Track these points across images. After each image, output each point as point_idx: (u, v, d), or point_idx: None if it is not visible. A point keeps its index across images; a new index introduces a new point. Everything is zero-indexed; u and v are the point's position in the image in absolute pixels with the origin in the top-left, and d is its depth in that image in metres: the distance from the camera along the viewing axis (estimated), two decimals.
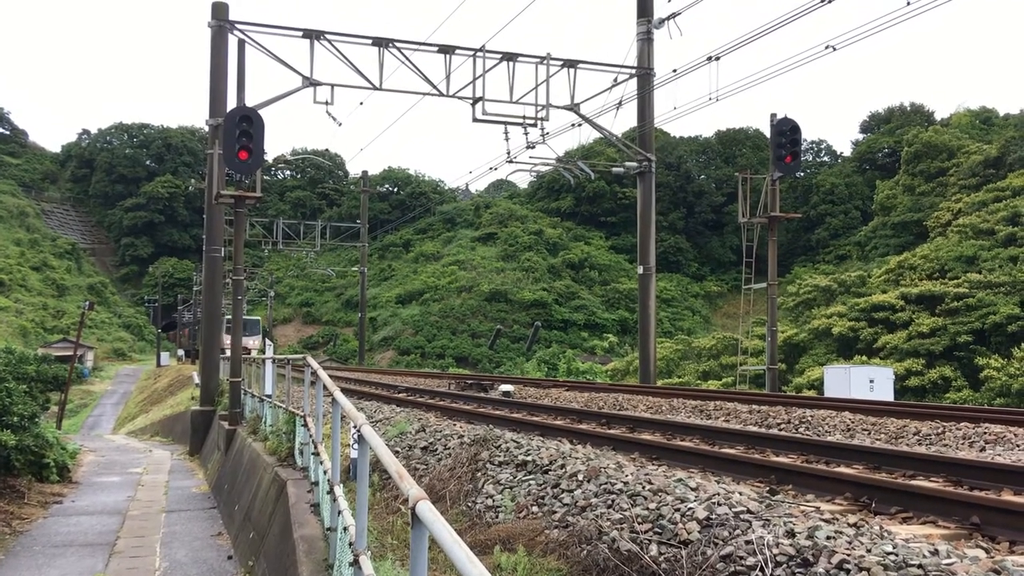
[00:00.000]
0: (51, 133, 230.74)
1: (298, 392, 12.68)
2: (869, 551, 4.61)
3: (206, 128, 23.48)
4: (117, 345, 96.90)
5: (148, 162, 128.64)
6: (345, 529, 5.83)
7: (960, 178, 75.21)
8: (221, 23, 22.49)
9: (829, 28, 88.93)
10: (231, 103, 21.46)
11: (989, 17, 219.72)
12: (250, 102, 20.67)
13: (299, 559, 7.12)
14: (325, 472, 7.62)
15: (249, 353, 36.90)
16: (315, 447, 8.79)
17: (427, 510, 2.98)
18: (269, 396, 14.79)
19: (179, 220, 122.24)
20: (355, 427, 5.25)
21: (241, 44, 22.08)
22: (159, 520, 14.16)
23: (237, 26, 22.30)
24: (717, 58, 21.50)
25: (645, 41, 25.49)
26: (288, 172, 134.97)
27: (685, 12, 24.07)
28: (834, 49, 17.69)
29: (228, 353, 22.15)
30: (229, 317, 52.45)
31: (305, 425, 10.01)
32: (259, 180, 18.13)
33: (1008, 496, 6.53)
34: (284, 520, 8.58)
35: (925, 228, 70.37)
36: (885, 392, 27.95)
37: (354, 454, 7.90)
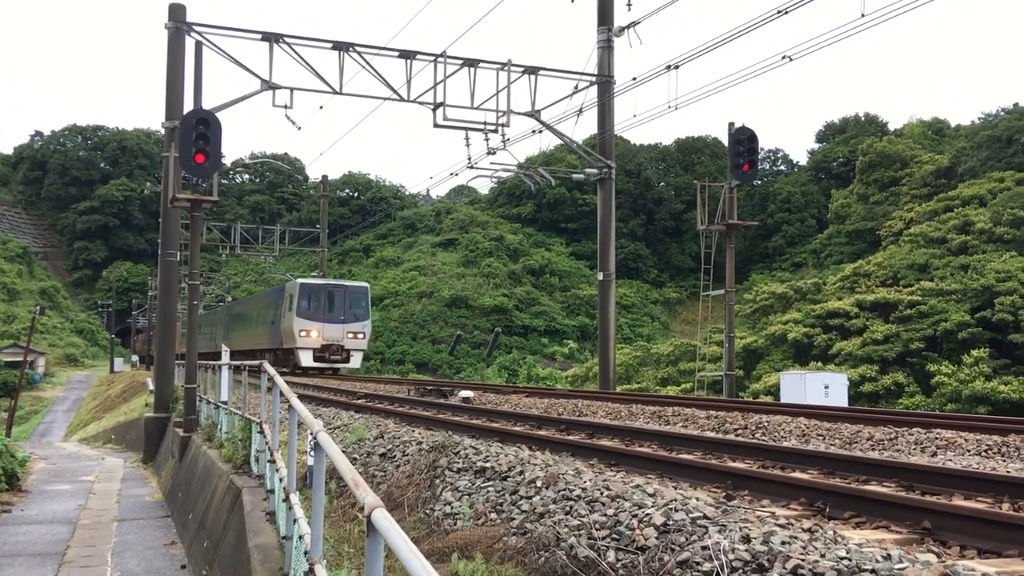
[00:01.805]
0: (2, 134, 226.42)
1: (255, 398, 12.53)
2: (823, 556, 4.65)
3: (162, 131, 23.15)
4: (69, 351, 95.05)
5: (103, 165, 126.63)
6: (301, 538, 5.77)
7: (912, 187, 76.68)
8: (178, 25, 22.21)
9: (786, 39, 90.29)
10: (188, 106, 21.20)
11: (941, 31, 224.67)
12: (208, 105, 20.45)
13: (254, 568, 7.03)
14: (281, 480, 7.53)
15: (346, 355, 32.72)
16: (271, 454, 8.68)
17: (383, 518, 2.95)
18: (225, 402, 14.59)
19: (134, 224, 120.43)
20: (312, 434, 5.20)
21: (199, 46, 21.83)
22: (111, 529, 13.89)
23: (195, 28, 22.04)
24: (676, 67, 21.71)
25: (605, 49, 25.64)
26: (246, 176, 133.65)
27: (645, 21, 24.28)
28: (791, 59, 17.95)
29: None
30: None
31: (261, 432, 9.90)
32: (216, 184, 17.93)
33: (959, 501, 6.64)
34: (239, 529, 8.46)
35: (878, 236, 71.62)
36: (840, 398, 28.37)
37: (311, 461, 7.82)
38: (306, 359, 32.37)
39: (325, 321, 32.52)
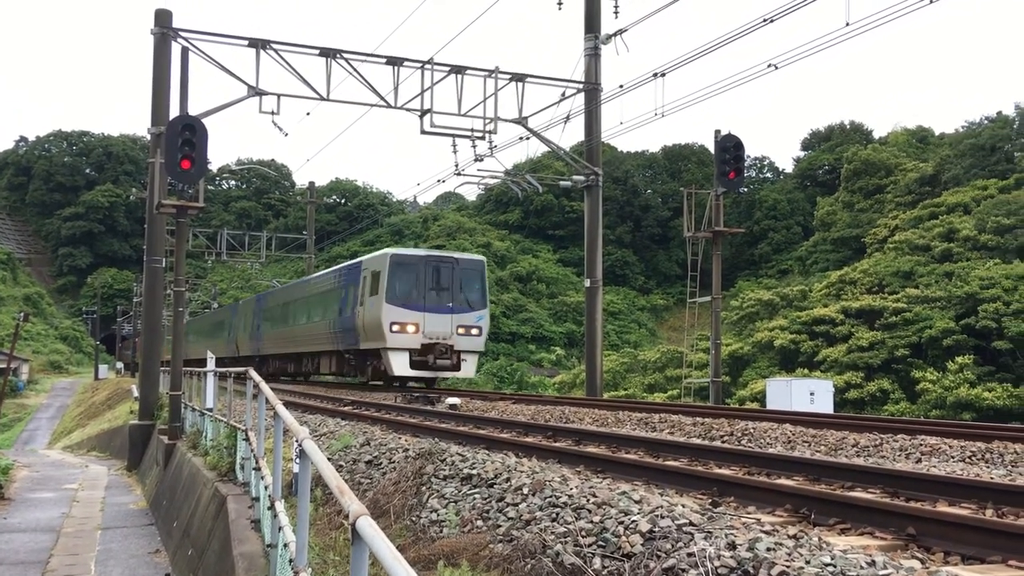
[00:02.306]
0: None
1: (240, 406, 12.48)
2: (808, 562, 4.67)
3: (148, 136, 23.07)
4: (53, 357, 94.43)
5: (88, 170, 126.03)
6: (286, 546, 5.74)
7: (897, 195, 77.20)
8: (164, 30, 22.14)
9: (772, 47, 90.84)
10: (174, 111, 21.12)
11: (925, 40, 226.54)
12: (194, 111, 20.37)
13: None
14: (266, 487, 7.50)
15: (451, 355, 23.49)
16: (256, 462, 8.64)
17: (367, 526, 2.95)
18: (210, 410, 14.53)
19: (119, 230, 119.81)
20: (297, 441, 5.18)
21: (185, 52, 21.76)
22: (95, 537, 13.79)
23: (181, 34, 21.98)
24: (663, 74, 21.79)
25: (592, 57, 25.73)
26: (233, 182, 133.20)
27: (632, 29, 24.39)
28: (776, 67, 18.05)
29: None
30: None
31: (247, 439, 9.86)
32: (202, 190, 17.86)
33: (943, 507, 6.68)
34: (224, 536, 8.42)
35: (863, 244, 72.02)
36: (825, 404, 28.46)
37: (296, 469, 7.79)
38: (400, 365, 23.39)
39: (428, 310, 23.69)
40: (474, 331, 24.15)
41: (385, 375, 24.72)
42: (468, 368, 24.39)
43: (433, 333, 23.54)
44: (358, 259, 27.70)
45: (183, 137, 16.73)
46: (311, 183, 53.32)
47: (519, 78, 24.52)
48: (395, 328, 23.27)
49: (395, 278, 23.79)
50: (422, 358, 23.37)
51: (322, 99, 23.00)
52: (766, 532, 5.31)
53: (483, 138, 23.91)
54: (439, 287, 23.94)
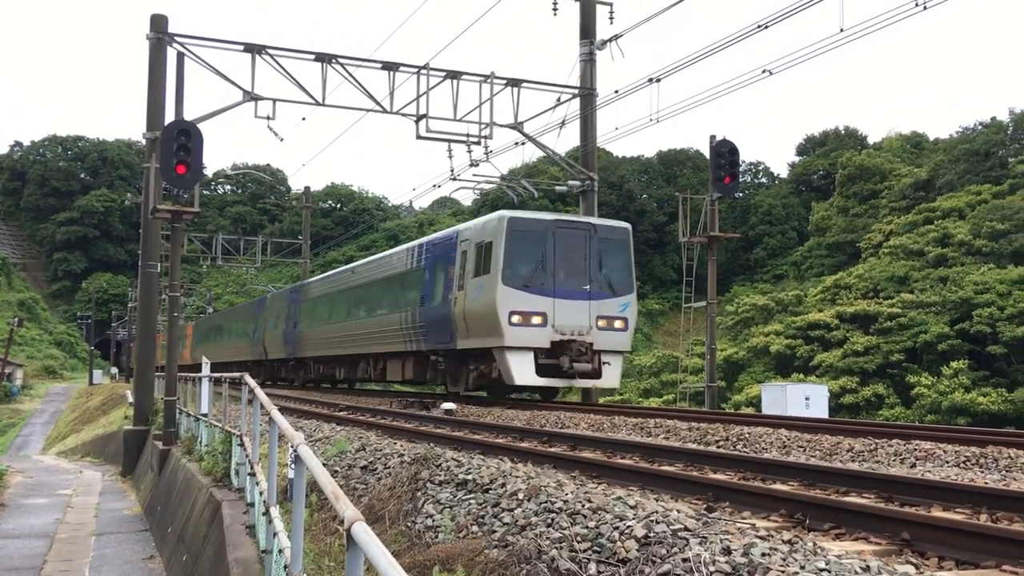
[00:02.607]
0: None
1: (235, 411, 12.46)
2: (803, 568, 4.67)
3: (143, 141, 23.05)
4: (48, 363, 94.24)
5: (83, 175, 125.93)
6: (281, 551, 5.73)
7: (892, 200, 77.36)
8: (160, 35, 22.14)
9: (766, 53, 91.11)
10: (170, 116, 21.10)
11: (918, 46, 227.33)
12: (189, 115, 20.37)
13: None
14: (261, 493, 7.49)
15: (591, 357, 17.94)
16: (251, 467, 8.63)
17: (362, 532, 2.95)
18: (205, 415, 14.51)
19: (114, 235, 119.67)
20: (292, 447, 5.18)
21: (180, 57, 21.75)
22: (88, 543, 13.76)
23: (176, 39, 21.98)
24: (658, 80, 21.86)
25: (588, 62, 25.78)
26: (228, 187, 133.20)
27: (627, 35, 24.47)
28: (771, 73, 18.12)
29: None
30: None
31: (242, 445, 9.84)
32: (197, 195, 17.86)
33: (937, 512, 6.69)
34: (218, 542, 8.40)
35: (858, 249, 72.17)
36: (820, 409, 28.47)
37: (291, 474, 7.79)
38: (523, 370, 17.64)
39: (559, 295, 18.08)
40: (618, 324, 18.58)
41: (497, 384, 18.88)
42: (611, 375, 18.67)
43: (566, 327, 17.94)
44: (450, 229, 21.57)
45: (178, 142, 16.74)
46: (306, 188, 53.30)
47: (515, 83, 24.56)
48: (515, 320, 17.60)
49: (514, 251, 17.98)
50: (552, 361, 17.81)
51: (318, 104, 23.01)
52: (761, 537, 5.31)
53: (479, 143, 23.95)
54: (573, 264, 18.31)
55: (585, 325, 18.14)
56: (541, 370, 17.79)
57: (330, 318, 28.56)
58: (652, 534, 5.40)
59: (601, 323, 18.36)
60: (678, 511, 6.00)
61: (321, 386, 32.99)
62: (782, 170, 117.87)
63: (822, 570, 4.62)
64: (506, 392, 20.24)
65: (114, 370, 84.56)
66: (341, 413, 18.28)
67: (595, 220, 19.76)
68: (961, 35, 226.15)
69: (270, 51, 22.41)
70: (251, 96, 22.17)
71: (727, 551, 4.97)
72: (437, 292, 20.49)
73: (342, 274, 29.70)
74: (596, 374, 18.30)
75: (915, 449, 10.11)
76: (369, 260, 28.02)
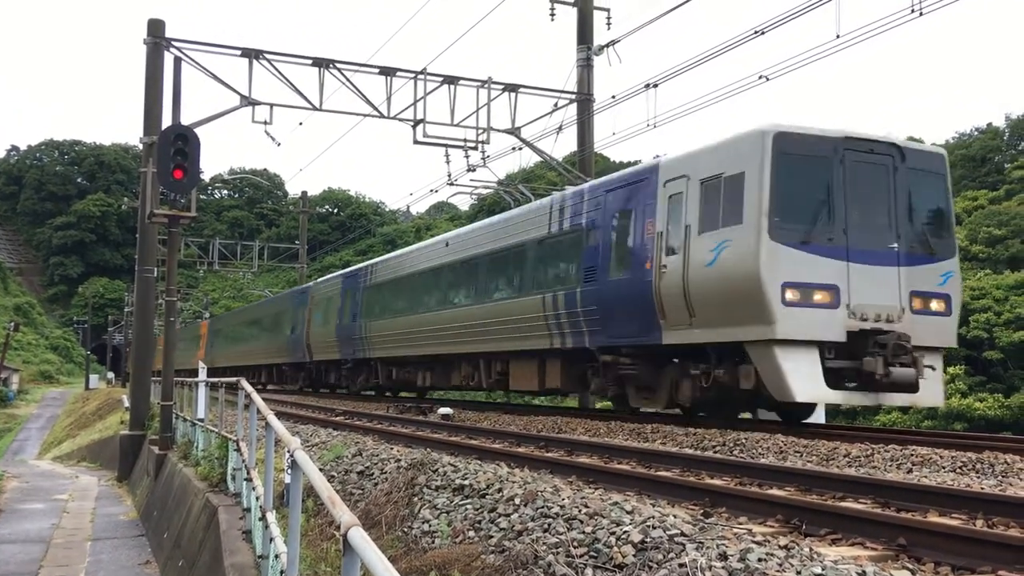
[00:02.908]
0: None
1: (231, 416, 12.45)
2: (799, 573, 4.68)
3: (140, 146, 23.04)
4: (44, 367, 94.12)
5: (79, 180, 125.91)
6: (277, 556, 5.73)
7: None
8: (157, 40, 22.15)
9: (763, 59, 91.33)
10: (167, 121, 21.08)
11: (915, 52, 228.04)
12: (186, 120, 20.35)
13: None
14: (258, 498, 7.48)
15: (910, 359, 10.35)
16: (248, 472, 8.62)
17: (359, 537, 2.94)
18: (202, 420, 14.49)
19: (111, 239, 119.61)
20: (289, 452, 5.18)
21: (177, 62, 21.73)
22: (84, 548, 13.73)
23: (174, 44, 21.99)
24: (655, 85, 21.89)
25: (585, 67, 25.82)
26: (225, 192, 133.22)
27: (624, 40, 24.52)
28: (767, 79, 18.14)
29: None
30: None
31: (238, 450, 9.83)
32: (194, 199, 17.87)
33: (934, 517, 6.69)
34: (215, 547, 8.39)
35: None
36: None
37: (288, 479, 7.78)
38: (804, 378, 11.30)
39: (853, 258, 11.79)
40: (937, 304, 12.33)
41: (766, 397, 12.46)
42: (934, 387, 12.22)
43: (867, 308, 11.73)
44: (638, 166, 15.04)
45: (175, 147, 16.72)
46: (304, 192, 53.31)
47: (512, 88, 24.59)
48: (790, 297, 11.40)
49: (785, 186, 11.68)
50: (849, 363, 11.65)
51: (315, 109, 23.02)
52: (757, 542, 5.32)
53: (476, 148, 23.96)
54: (872, 208, 12.12)
55: (895, 306, 11.89)
56: (831, 378, 11.53)
57: (412, 307, 22.49)
58: (649, 539, 5.40)
59: (916, 303, 12.10)
60: (675, 516, 6.00)
61: (385, 394, 27.60)
62: None
63: (818, 575, 4.62)
64: (782, 408, 14.19)
65: (110, 375, 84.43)
66: (338, 418, 18.27)
67: (899, 141, 13.00)
68: (958, 41, 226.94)
69: (267, 56, 22.42)
70: (248, 101, 22.18)
71: (723, 556, 4.97)
72: (618, 261, 14.37)
73: (429, 249, 23.18)
74: (914, 386, 11.70)
75: (912, 454, 10.11)
76: (472, 227, 21.50)
